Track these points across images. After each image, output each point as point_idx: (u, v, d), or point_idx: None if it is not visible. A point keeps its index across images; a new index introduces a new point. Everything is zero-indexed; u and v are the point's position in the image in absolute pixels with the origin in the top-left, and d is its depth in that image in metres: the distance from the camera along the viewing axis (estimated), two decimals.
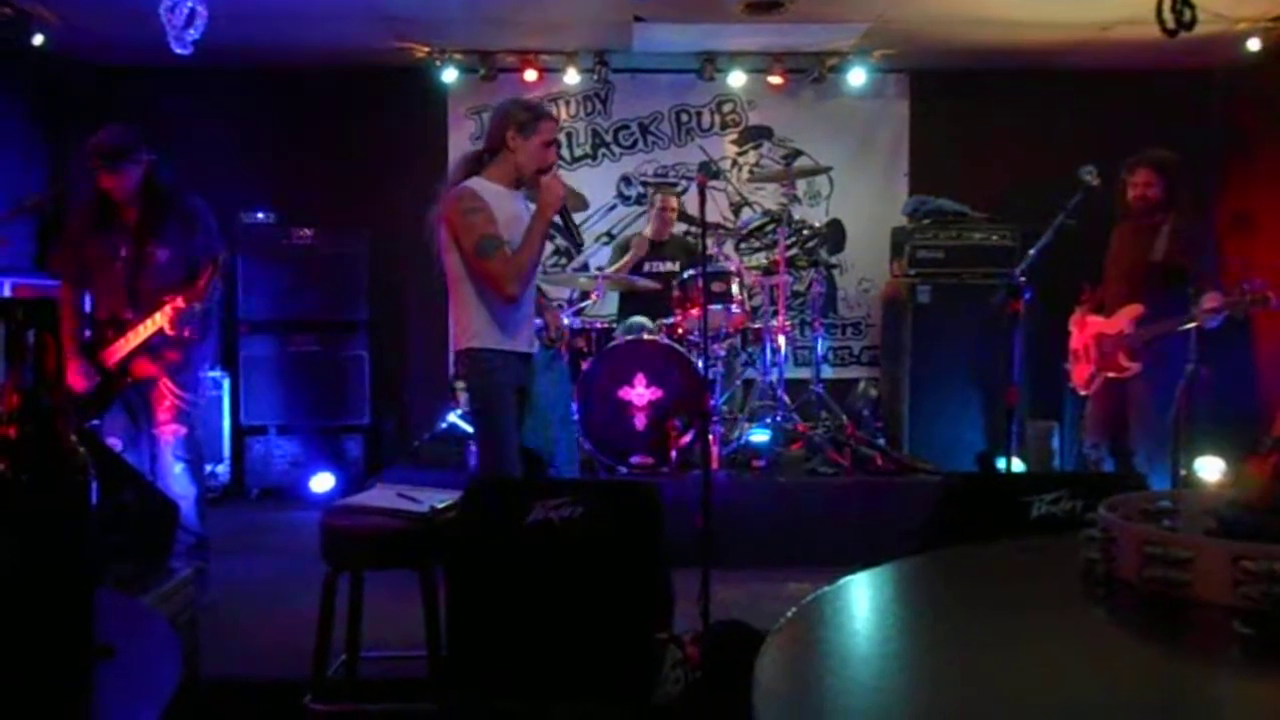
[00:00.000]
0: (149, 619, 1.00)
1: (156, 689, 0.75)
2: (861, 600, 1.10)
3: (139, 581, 2.75)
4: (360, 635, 3.04)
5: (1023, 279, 4.01)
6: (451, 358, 5.22)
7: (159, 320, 3.71)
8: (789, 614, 0.99)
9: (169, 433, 3.89)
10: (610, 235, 6.33)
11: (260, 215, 5.93)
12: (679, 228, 5.83)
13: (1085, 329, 4.42)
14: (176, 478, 3.90)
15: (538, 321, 3.58)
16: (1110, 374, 4.27)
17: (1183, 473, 4.77)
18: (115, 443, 3.85)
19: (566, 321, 5.10)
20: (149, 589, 2.80)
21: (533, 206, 3.27)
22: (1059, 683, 0.89)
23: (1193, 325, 4.10)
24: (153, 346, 3.81)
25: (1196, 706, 0.86)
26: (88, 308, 4.01)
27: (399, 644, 3.13)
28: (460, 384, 3.35)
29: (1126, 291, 4.25)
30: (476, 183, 3.21)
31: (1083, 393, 4.49)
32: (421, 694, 2.82)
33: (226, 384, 5.84)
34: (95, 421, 3.88)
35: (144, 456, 3.95)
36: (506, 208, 3.21)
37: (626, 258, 5.55)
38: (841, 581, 1.09)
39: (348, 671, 3.02)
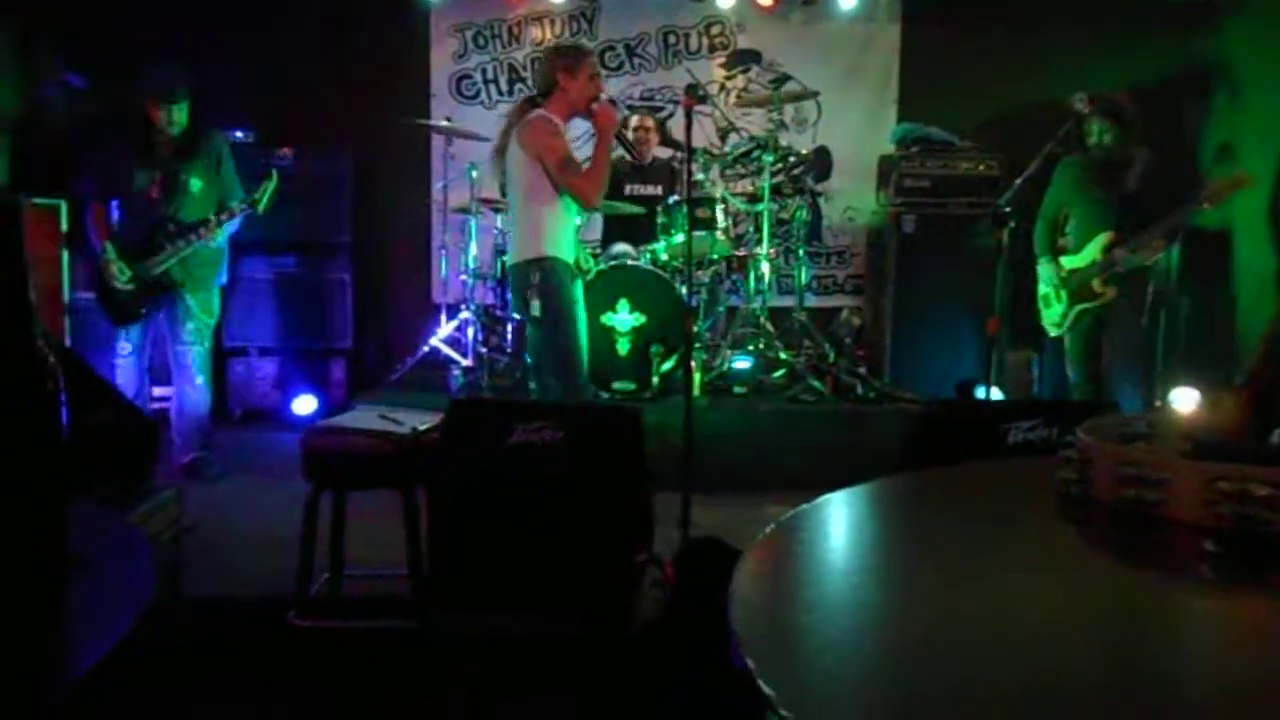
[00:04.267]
0: (125, 531, 1.00)
1: (131, 598, 0.75)
2: (838, 517, 1.11)
3: (121, 501, 2.76)
4: (343, 554, 3.07)
5: (1007, 209, 4.01)
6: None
7: (206, 231, 4.36)
8: (767, 530, 1.00)
9: (194, 353, 4.53)
10: None
11: (240, 134, 5.80)
12: (664, 152, 5.75)
13: (1052, 271, 4.44)
14: (199, 388, 4.56)
15: None
16: (1085, 305, 4.31)
17: (1157, 403, 4.83)
18: (125, 346, 4.43)
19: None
20: (131, 508, 2.80)
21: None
22: (1031, 598, 0.91)
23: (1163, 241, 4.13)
24: (185, 262, 4.42)
25: (1166, 621, 0.88)
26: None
27: (381, 563, 3.15)
28: (529, 293, 3.62)
29: (1096, 224, 4.27)
30: (551, 114, 3.66)
31: (1054, 334, 4.54)
32: (404, 611, 2.86)
33: None
34: (121, 329, 4.43)
35: (144, 366, 4.51)
36: (569, 137, 3.75)
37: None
38: (819, 499, 1.10)
39: (331, 589, 3.06)
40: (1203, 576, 0.98)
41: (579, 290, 3.87)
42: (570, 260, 3.77)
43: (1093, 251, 4.25)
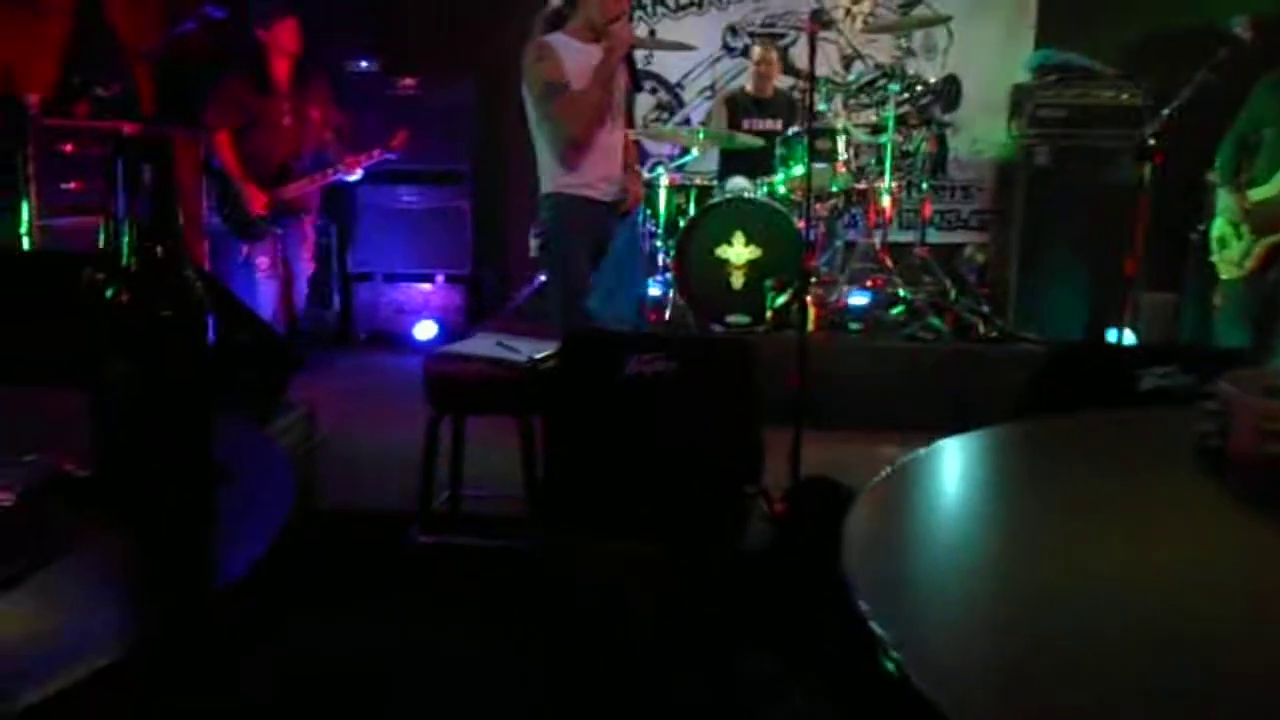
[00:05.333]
0: (264, 445, 1.06)
1: (271, 511, 0.79)
2: (957, 462, 1.08)
3: (257, 418, 2.91)
4: (462, 475, 3.19)
5: (1152, 141, 3.76)
6: None
7: (345, 169, 4.84)
8: (884, 472, 0.99)
9: (309, 269, 5.08)
10: (713, 89, 6.14)
11: (364, 64, 5.92)
12: (785, 82, 5.61)
13: (1233, 204, 4.02)
14: (306, 298, 5.17)
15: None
16: (1273, 240, 3.90)
17: None
18: (264, 261, 4.83)
19: (666, 181, 5.04)
20: (268, 424, 2.96)
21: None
22: (1160, 555, 0.87)
23: None
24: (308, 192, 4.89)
25: None
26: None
27: (497, 484, 3.25)
28: (536, 231, 3.61)
29: None
30: (552, 37, 3.43)
31: (1231, 275, 4.09)
32: (521, 531, 2.96)
33: (335, 231, 5.98)
34: (247, 246, 4.83)
35: (280, 280, 4.94)
36: (582, 60, 3.38)
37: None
38: (937, 444, 1.08)
39: (451, 508, 3.18)
40: None
41: (593, 226, 3.56)
42: (584, 193, 3.49)
43: None
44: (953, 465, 1.09)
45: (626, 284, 3.88)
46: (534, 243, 3.65)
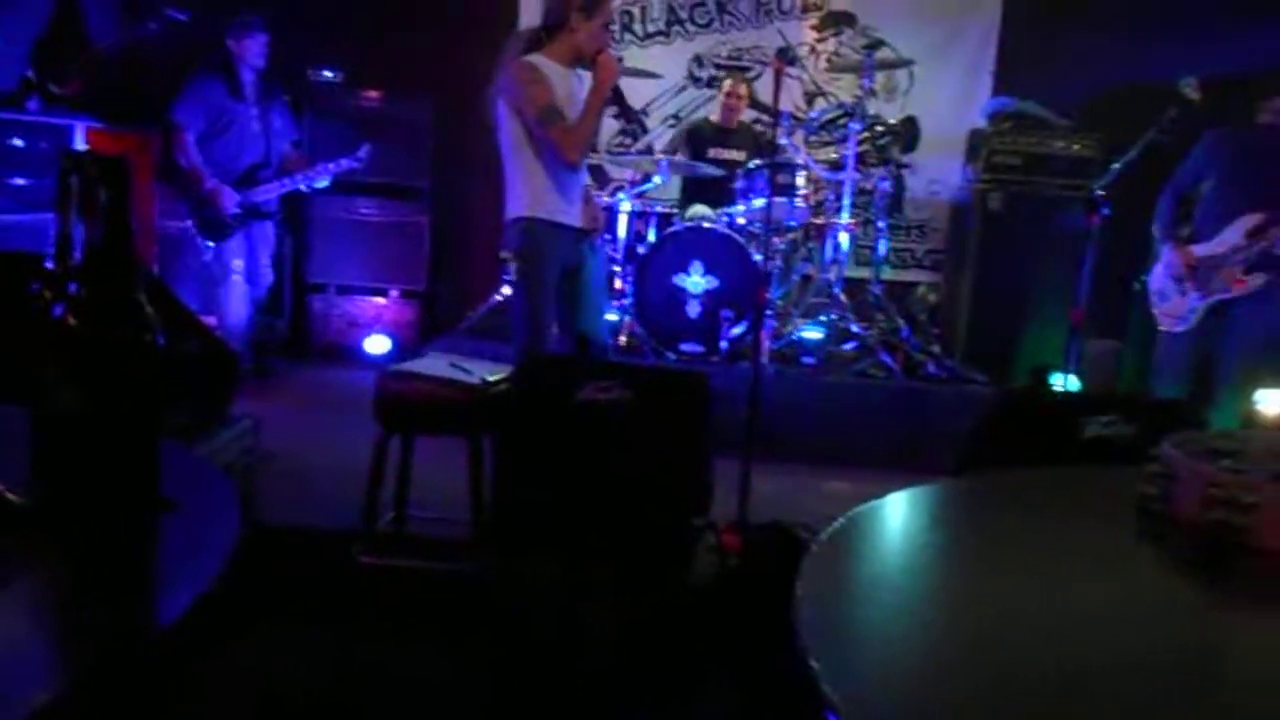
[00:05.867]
0: (209, 473, 1.03)
1: (217, 542, 0.78)
2: (907, 517, 1.09)
3: (198, 429, 2.85)
4: (408, 496, 3.15)
5: (1101, 194, 3.85)
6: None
7: (314, 175, 4.85)
8: (835, 524, 1.00)
9: (269, 276, 5.08)
10: (677, 117, 6.17)
11: (328, 74, 5.87)
12: (749, 115, 5.67)
13: (1179, 259, 4.03)
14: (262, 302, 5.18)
15: None
16: (1218, 297, 3.94)
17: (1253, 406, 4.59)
18: (238, 263, 4.82)
19: (629, 206, 5.06)
20: (208, 436, 2.90)
21: (587, 78, 3.38)
22: (1095, 619, 0.89)
23: None
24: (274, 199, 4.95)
25: (1245, 656, 0.85)
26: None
27: (443, 506, 3.22)
28: (507, 254, 3.49)
29: (1239, 203, 3.86)
30: (536, 58, 3.33)
31: (1176, 329, 4.10)
32: (465, 554, 2.93)
33: (290, 241, 5.90)
34: (215, 243, 4.78)
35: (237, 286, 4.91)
36: (563, 85, 3.35)
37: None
38: (889, 497, 1.09)
39: (396, 529, 3.14)
40: None
41: (565, 252, 3.46)
42: (560, 219, 3.41)
43: (1233, 235, 3.87)
44: (902, 519, 1.10)
45: (602, 309, 3.79)
46: (513, 267, 3.48)
